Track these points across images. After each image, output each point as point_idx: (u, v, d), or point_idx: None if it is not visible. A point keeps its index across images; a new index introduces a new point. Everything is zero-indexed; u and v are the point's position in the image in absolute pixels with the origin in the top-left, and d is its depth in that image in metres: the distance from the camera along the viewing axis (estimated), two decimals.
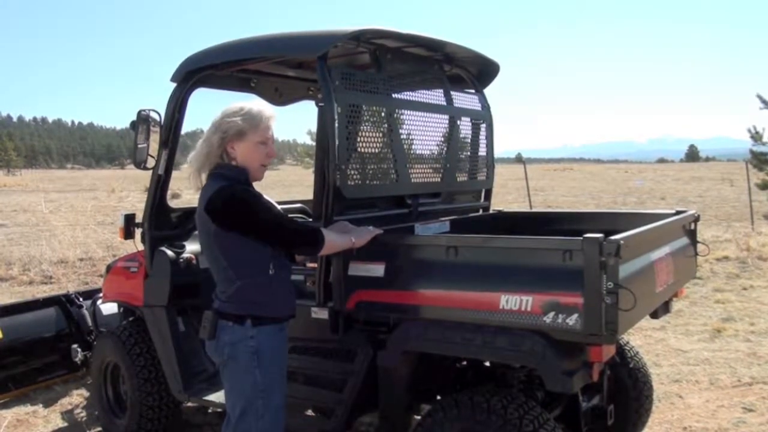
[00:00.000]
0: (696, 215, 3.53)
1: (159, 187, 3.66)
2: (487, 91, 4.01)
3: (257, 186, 2.63)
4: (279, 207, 4.02)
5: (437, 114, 3.56)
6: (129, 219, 3.87)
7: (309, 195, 3.67)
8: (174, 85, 3.51)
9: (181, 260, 3.71)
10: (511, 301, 2.37)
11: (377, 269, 2.71)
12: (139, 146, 3.54)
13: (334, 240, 2.58)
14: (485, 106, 3.94)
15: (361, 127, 3.09)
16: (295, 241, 2.52)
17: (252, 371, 2.46)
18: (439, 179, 3.61)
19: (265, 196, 2.54)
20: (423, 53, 3.50)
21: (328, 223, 2.82)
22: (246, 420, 2.49)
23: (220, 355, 2.51)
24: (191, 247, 3.84)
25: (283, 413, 2.57)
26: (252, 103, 2.52)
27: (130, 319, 4.14)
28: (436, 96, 3.55)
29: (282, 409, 2.56)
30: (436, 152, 3.64)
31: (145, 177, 3.64)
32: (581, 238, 2.25)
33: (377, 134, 3.20)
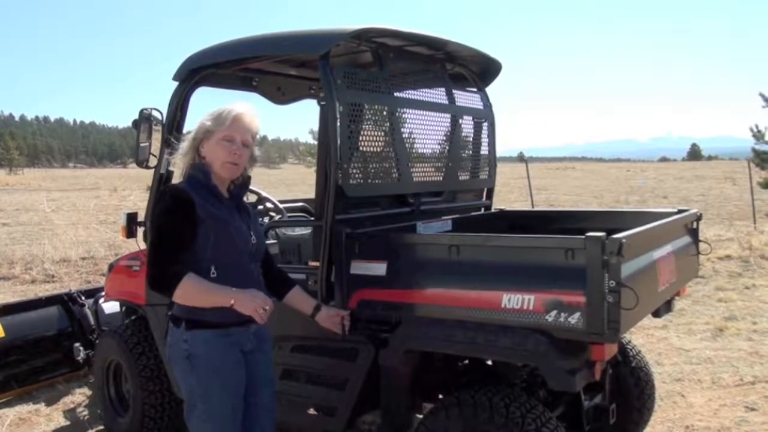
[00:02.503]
0: (698, 214, 3.53)
1: (161, 185, 3.66)
2: (489, 89, 4.00)
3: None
4: (281, 206, 4.03)
5: (439, 113, 3.56)
6: (131, 218, 3.87)
7: (311, 194, 3.67)
8: (176, 83, 3.52)
9: None
10: (513, 300, 2.37)
11: (379, 268, 2.71)
12: (141, 145, 3.54)
13: (196, 296, 2.34)
14: (487, 104, 3.93)
15: (363, 126, 3.09)
16: (148, 274, 2.36)
17: (186, 375, 2.42)
18: (441, 178, 3.61)
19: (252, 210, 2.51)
20: (425, 52, 3.50)
21: (331, 221, 2.82)
22: (192, 420, 2.47)
23: (165, 355, 2.52)
24: None
25: (232, 420, 2.44)
26: (229, 104, 2.47)
27: (133, 317, 4.15)
28: (438, 95, 3.55)
29: (229, 416, 2.43)
30: (438, 151, 3.64)
31: (147, 176, 3.63)
32: (583, 236, 2.25)
33: (379, 133, 3.20)
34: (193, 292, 2.31)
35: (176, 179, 2.53)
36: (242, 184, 2.57)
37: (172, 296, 2.33)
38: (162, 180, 3.64)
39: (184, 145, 2.48)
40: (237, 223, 2.47)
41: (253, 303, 2.35)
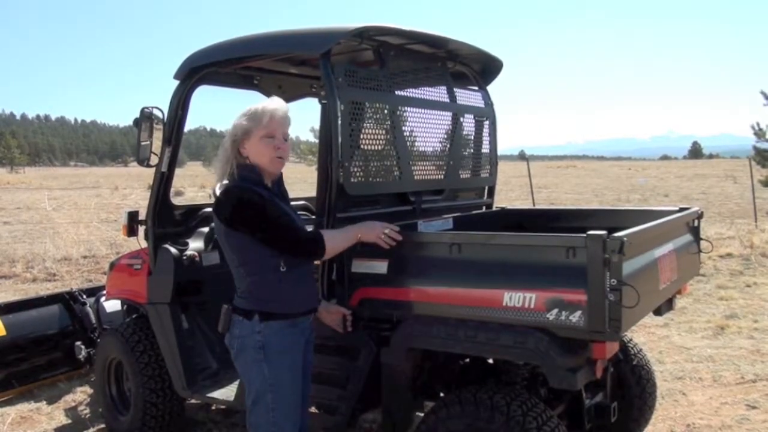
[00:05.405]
0: (699, 212, 3.52)
1: (162, 184, 3.67)
2: (490, 87, 4.00)
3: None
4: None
5: (440, 111, 3.56)
6: (132, 216, 3.87)
7: (312, 192, 3.67)
8: (177, 82, 3.52)
9: (185, 257, 3.72)
10: (514, 298, 2.37)
11: (381, 266, 2.72)
12: (143, 144, 3.54)
13: (338, 243, 2.60)
14: (488, 102, 3.93)
15: (364, 125, 3.09)
16: (295, 250, 2.50)
17: (259, 365, 2.49)
18: (442, 176, 3.60)
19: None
20: (426, 50, 3.49)
21: (332, 220, 2.82)
22: (257, 412, 2.53)
23: (231, 347, 2.58)
24: (194, 245, 3.85)
25: (297, 407, 2.58)
26: (261, 102, 2.53)
27: (134, 316, 4.14)
28: (439, 93, 3.54)
29: (295, 403, 2.57)
30: (439, 149, 3.64)
31: (148, 174, 3.64)
32: (585, 235, 2.25)
33: (380, 131, 3.20)
34: (337, 242, 2.58)
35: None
36: (279, 178, 2.64)
37: (324, 254, 2.53)
38: (163, 178, 3.64)
39: (222, 151, 2.52)
40: (292, 215, 2.57)
41: (374, 231, 2.64)
